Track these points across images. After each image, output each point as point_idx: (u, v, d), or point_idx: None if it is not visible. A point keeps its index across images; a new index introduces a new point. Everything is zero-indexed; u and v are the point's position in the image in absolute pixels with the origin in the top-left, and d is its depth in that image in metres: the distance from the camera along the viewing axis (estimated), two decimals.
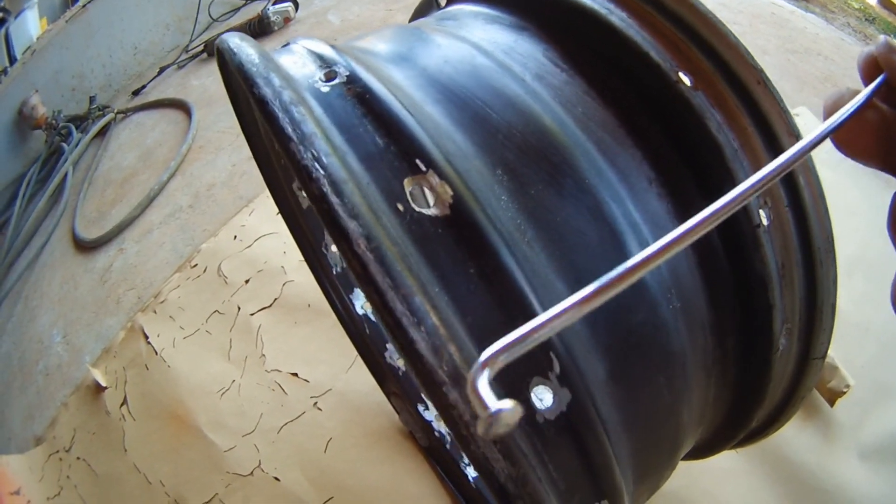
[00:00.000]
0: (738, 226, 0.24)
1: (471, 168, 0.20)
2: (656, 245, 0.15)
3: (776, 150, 0.26)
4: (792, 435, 0.49)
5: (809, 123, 0.68)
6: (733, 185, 0.24)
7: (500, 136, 0.21)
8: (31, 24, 1.23)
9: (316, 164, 0.18)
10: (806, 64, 0.74)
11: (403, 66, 0.25)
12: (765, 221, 0.25)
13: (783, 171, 0.16)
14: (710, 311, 0.25)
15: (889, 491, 0.48)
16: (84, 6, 1.12)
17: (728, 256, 0.25)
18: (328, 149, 0.18)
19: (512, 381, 0.18)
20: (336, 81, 0.22)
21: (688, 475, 0.47)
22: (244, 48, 0.22)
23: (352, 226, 0.17)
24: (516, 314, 0.18)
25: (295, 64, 0.24)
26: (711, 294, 0.25)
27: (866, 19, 0.87)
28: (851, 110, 0.18)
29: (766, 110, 0.26)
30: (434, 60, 0.25)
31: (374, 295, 0.16)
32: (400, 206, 0.19)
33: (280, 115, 0.19)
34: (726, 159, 0.24)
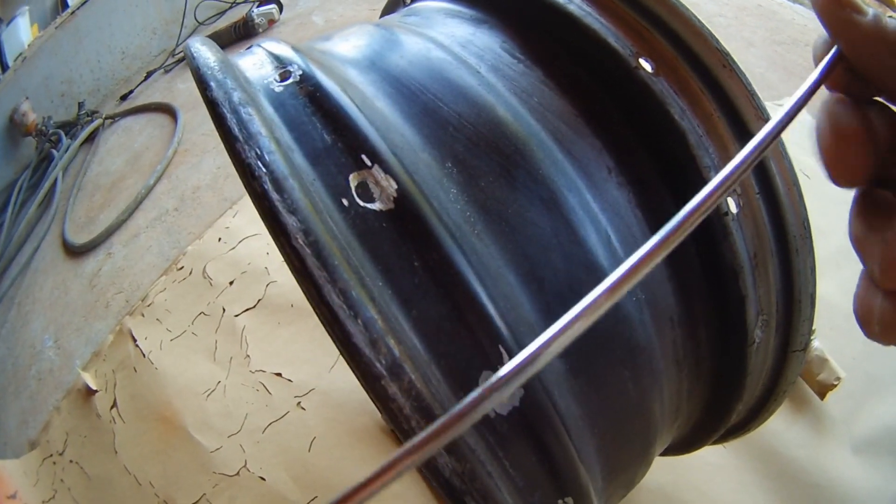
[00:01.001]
0: None
1: (418, 161, 0.19)
2: (618, 272, 0.12)
3: (744, 136, 0.25)
4: (782, 429, 0.49)
5: None
6: (698, 172, 0.24)
7: (450, 129, 0.21)
8: (22, 31, 1.23)
9: (258, 162, 0.17)
10: (793, 55, 0.73)
11: (360, 63, 0.25)
12: (733, 209, 0.24)
13: (752, 162, 0.15)
14: (679, 303, 0.25)
15: (883, 485, 0.47)
16: (73, 12, 1.12)
17: (695, 246, 0.24)
18: (272, 146, 0.18)
19: (459, 377, 0.18)
20: (289, 81, 0.22)
21: (675, 471, 0.47)
22: (203, 53, 0.22)
23: (290, 221, 0.16)
24: (463, 306, 0.18)
25: (253, 66, 0.24)
26: (679, 285, 0.24)
27: None
28: (809, 85, 0.16)
29: (732, 95, 0.25)
30: (390, 56, 0.25)
31: (312, 290, 0.16)
32: (345, 202, 0.18)
33: (228, 115, 0.19)
34: (690, 146, 0.24)
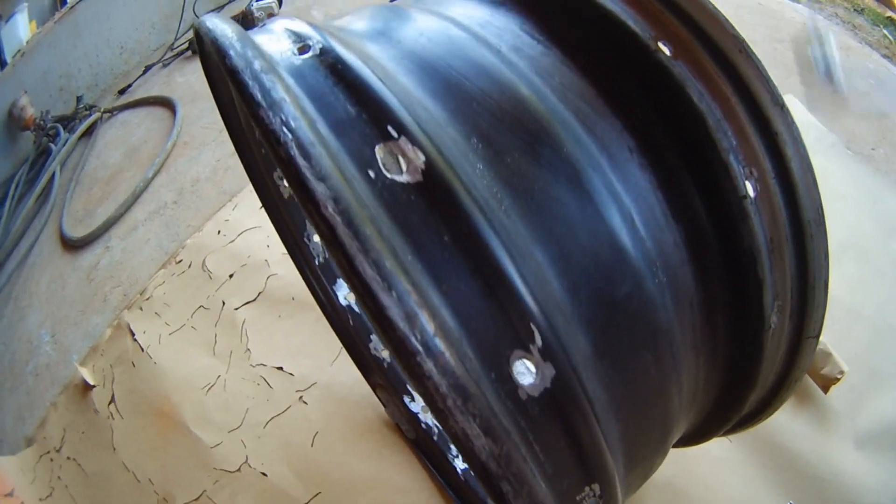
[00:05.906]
0: (723, 197, 0.24)
1: (444, 135, 0.19)
2: None
3: (761, 120, 0.25)
4: (786, 422, 0.49)
5: (796, 111, 0.67)
6: (717, 154, 0.24)
7: (474, 104, 0.21)
8: (20, 28, 1.22)
9: (284, 128, 0.17)
10: (793, 52, 0.74)
11: (379, 40, 0.25)
12: (751, 193, 0.24)
13: None
14: (698, 287, 0.24)
15: (887, 479, 0.48)
16: (72, 7, 1.11)
17: (715, 229, 0.24)
18: (296, 113, 0.18)
19: (491, 355, 0.17)
20: (309, 54, 0.22)
21: (681, 464, 0.47)
22: (219, 25, 0.22)
23: (319, 188, 0.16)
24: (494, 283, 0.18)
25: (270, 40, 0.23)
26: (698, 269, 0.24)
27: (854, 10, 0.87)
28: None
29: (748, 79, 0.25)
30: (409, 34, 0.25)
31: (343, 259, 0.15)
32: (371, 173, 0.18)
33: (250, 82, 0.18)
34: (710, 129, 0.23)
